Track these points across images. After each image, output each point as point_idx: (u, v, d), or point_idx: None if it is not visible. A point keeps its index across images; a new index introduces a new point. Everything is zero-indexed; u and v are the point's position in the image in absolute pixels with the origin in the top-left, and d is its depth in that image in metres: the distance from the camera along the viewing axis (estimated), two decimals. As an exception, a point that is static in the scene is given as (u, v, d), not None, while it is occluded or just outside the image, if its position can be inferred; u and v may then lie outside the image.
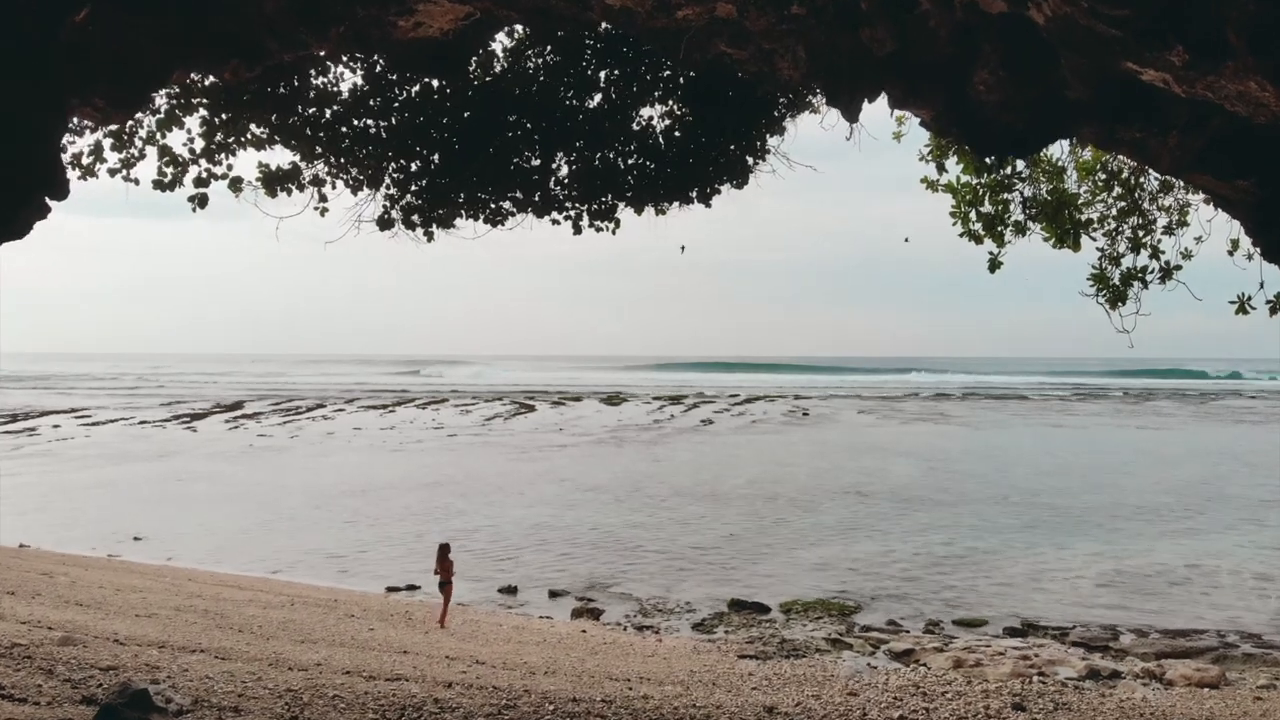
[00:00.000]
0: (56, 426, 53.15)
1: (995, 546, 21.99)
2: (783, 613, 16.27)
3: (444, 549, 14.68)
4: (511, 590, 17.70)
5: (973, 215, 7.98)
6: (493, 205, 8.44)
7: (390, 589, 17.91)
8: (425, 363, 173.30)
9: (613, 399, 78.28)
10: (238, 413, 63.04)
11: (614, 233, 8.74)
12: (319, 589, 17.48)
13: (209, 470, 34.50)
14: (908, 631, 15.26)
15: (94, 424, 55.24)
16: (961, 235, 8.05)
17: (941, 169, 7.86)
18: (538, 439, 46.62)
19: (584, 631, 14.10)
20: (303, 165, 8.19)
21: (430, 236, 8.56)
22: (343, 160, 8.12)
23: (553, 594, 17.48)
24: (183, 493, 29.34)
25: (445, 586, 14.35)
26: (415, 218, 8.37)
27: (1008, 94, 6.04)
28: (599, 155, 8.25)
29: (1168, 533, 23.97)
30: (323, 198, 8.22)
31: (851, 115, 6.37)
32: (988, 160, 7.18)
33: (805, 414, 63.94)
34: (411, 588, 17.95)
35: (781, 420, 59.04)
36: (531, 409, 67.21)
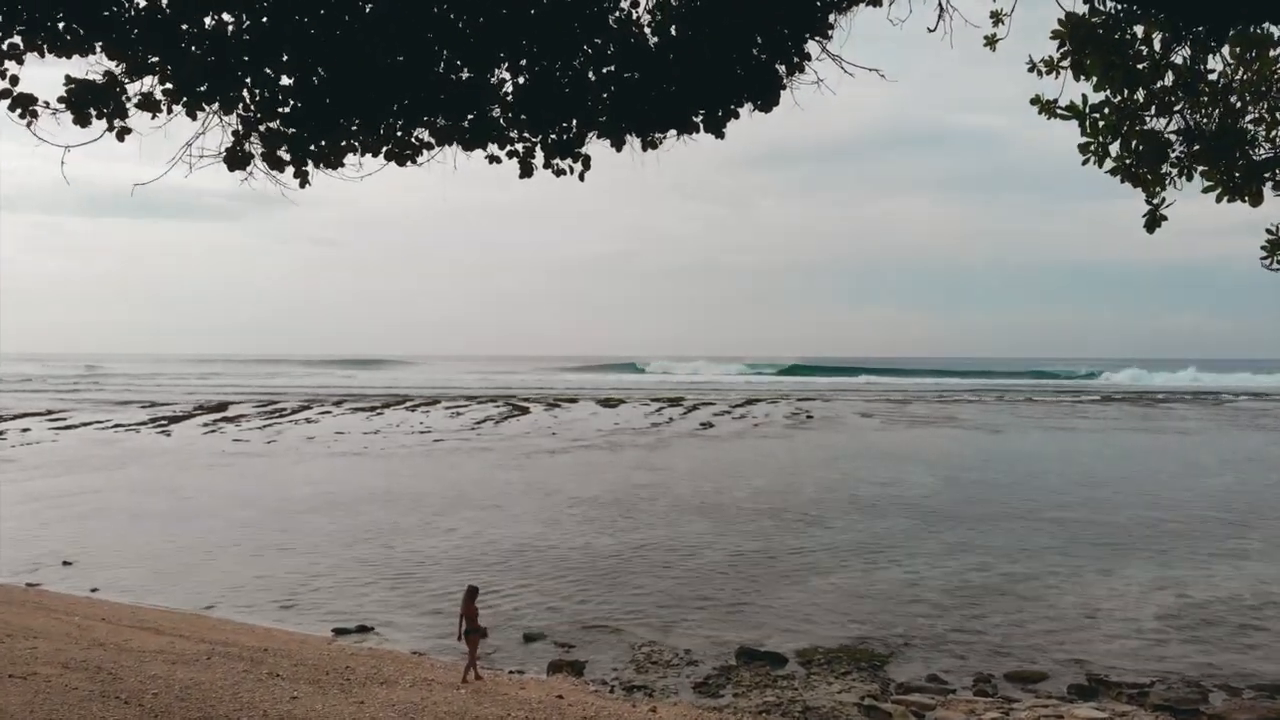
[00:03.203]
0: (26, 430, 50.57)
1: (1035, 572, 19.40)
2: (801, 664, 13.50)
3: (471, 593, 12.23)
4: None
5: (1115, 148, 5.43)
6: (400, 134, 5.86)
7: (338, 631, 15.20)
8: (422, 361, 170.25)
9: (609, 401, 75.67)
10: (218, 415, 60.42)
11: (581, 177, 6.15)
12: (253, 631, 14.82)
13: (170, 480, 31.87)
14: (954, 691, 12.54)
15: (66, 427, 52.65)
16: (1113, 171, 5.48)
17: (1080, 73, 5.27)
18: (528, 444, 43.99)
19: (560, 698, 11.37)
20: (125, 80, 5.58)
21: (304, 179, 5.92)
22: (185, 72, 5.54)
23: (528, 638, 14.76)
24: (134, 506, 26.72)
25: (471, 636, 12.02)
26: (283, 151, 5.77)
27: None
28: (560, 63, 5.67)
29: (1221, 554, 21.45)
30: (122, 113, 5.55)
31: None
32: (1192, 32, 4.65)
33: (809, 416, 61.39)
34: (363, 629, 15.26)
35: (784, 424, 56.43)
36: (525, 411, 64.61)
